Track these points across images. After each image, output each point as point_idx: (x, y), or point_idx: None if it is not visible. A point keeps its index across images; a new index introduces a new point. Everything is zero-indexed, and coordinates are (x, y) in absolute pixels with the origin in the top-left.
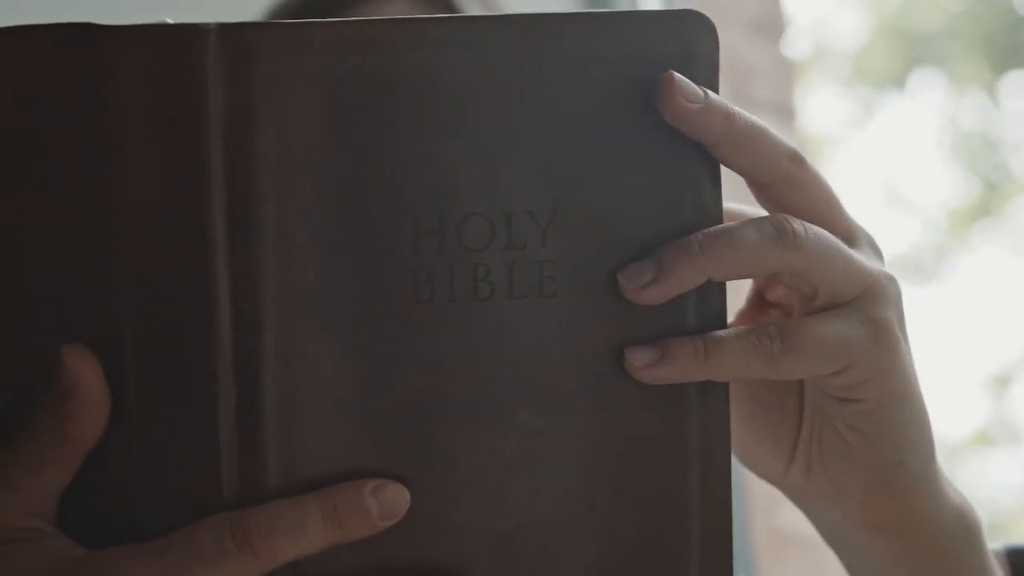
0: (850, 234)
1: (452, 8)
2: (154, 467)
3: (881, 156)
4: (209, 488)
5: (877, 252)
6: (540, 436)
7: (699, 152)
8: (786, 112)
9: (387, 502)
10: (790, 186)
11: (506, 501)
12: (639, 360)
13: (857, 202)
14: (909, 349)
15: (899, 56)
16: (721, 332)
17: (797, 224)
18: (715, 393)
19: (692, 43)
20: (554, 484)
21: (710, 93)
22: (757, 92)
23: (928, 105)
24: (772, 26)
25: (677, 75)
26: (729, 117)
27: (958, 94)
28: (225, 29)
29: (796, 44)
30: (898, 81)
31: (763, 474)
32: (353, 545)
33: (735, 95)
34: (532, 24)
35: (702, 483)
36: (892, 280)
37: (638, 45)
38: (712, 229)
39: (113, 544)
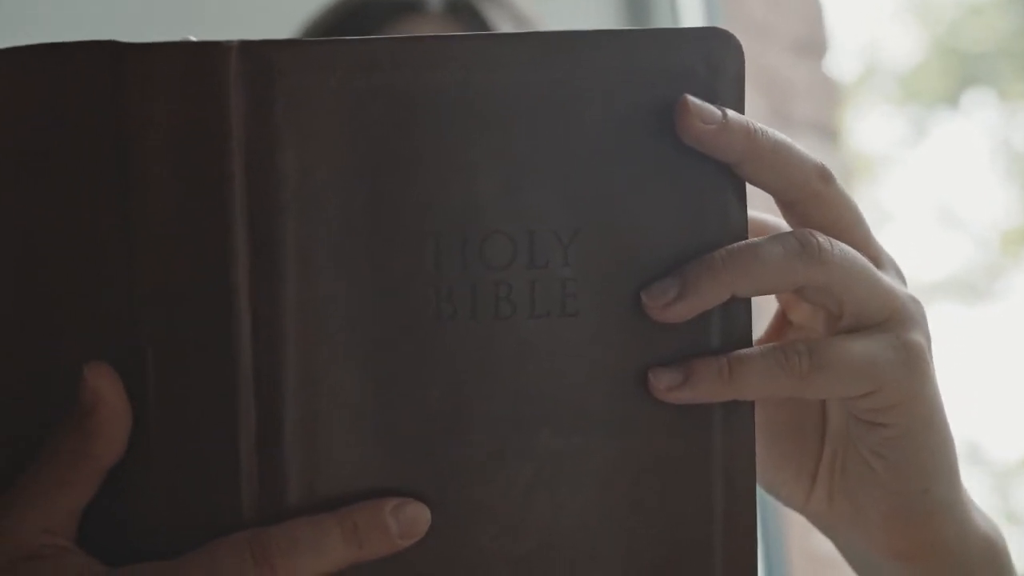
0: (876, 255)
1: (485, 26)
2: (174, 484)
3: (933, 176)
4: (229, 506)
5: (901, 276)
6: (562, 456)
7: (723, 170)
8: (828, 132)
9: (407, 521)
10: (817, 203)
11: (527, 521)
12: (663, 382)
13: (909, 222)
14: (936, 375)
15: (951, 75)
16: (746, 351)
17: (823, 239)
18: (740, 413)
19: (718, 60)
20: (575, 505)
21: (729, 112)
22: (798, 111)
23: (980, 124)
24: (815, 46)
25: (691, 98)
26: (750, 135)
27: (1010, 113)
28: (247, 47)
29: (843, 64)
30: (950, 100)
31: (786, 501)
32: (373, 564)
33: (776, 114)
34: (555, 42)
35: (726, 505)
36: (918, 303)
37: (663, 63)
38: (736, 245)
39: (133, 561)
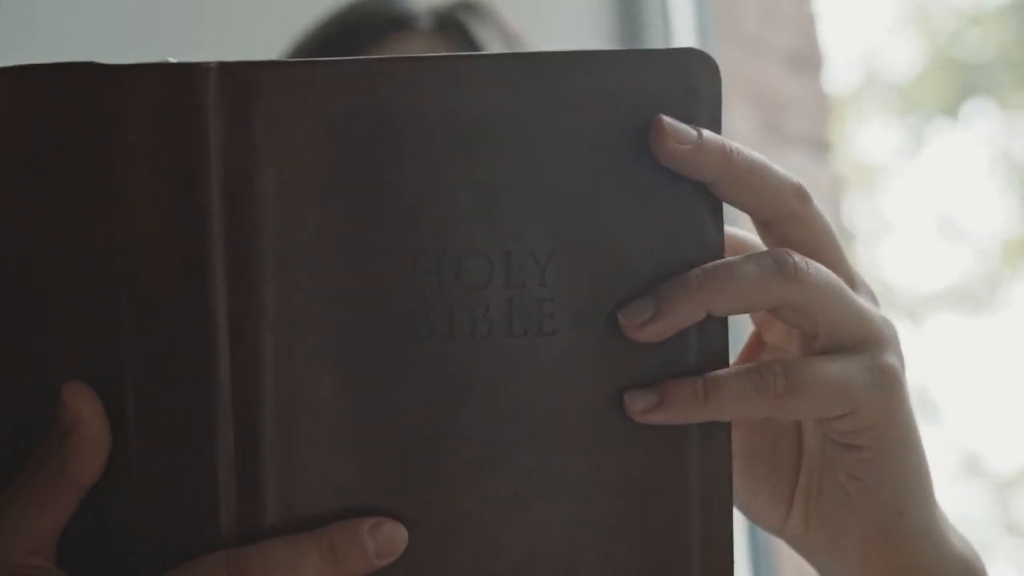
0: (851, 276)
1: (474, 43)
2: (153, 504)
3: (933, 186)
4: (208, 525)
5: (874, 298)
6: (539, 475)
7: (700, 189)
8: (821, 146)
9: (384, 540)
10: (793, 223)
11: (505, 540)
12: (638, 404)
13: (909, 232)
14: (910, 398)
15: (951, 85)
16: (721, 372)
17: (798, 258)
18: (716, 433)
19: (695, 81)
20: (553, 522)
21: (705, 132)
22: (791, 125)
23: (980, 134)
24: (808, 59)
25: (666, 118)
26: (726, 155)
27: (1010, 123)
28: (225, 68)
29: (840, 75)
30: (950, 110)
31: (763, 524)
32: None
33: (769, 128)
34: (532, 63)
35: (703, 523)
36: (892, 326)
37: (639, 84)
38: (712, 264)
39: None
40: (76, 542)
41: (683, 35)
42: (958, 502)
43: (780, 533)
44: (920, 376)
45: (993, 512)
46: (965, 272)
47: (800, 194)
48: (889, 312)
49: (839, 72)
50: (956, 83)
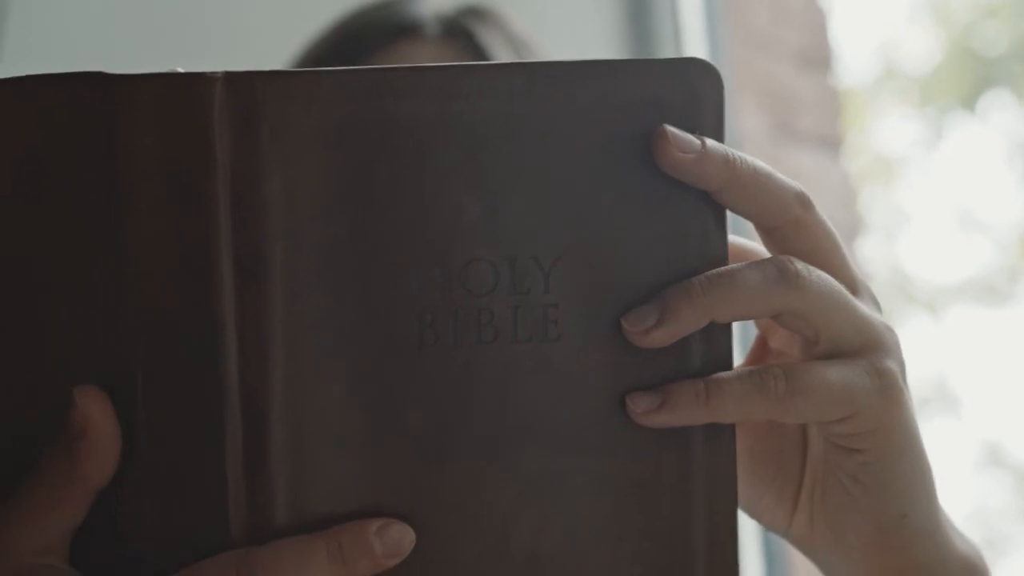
0: (853, 283)
1: (480, 50)
2: (163, 505)
3: (951, 178)
4: (217, 527)
5: (877, 303)
6: (544, 478)
7: (703, 196)
8: (832, 143)
9: (392, 541)
10: (796, 230)
11: (510, 542)
12: (641, 407)
13: (927, 225)
14: (911, 402)
15: (968, 78)
16: (723, 374)
17: (800, 265)
18: (721, 435)
19: (697, 90)
20: (558, 525)
21: (708, 141)
22: (802, 123)
23: (998, 127)
24: (819, 57)
25: (669, 128)
26: (730, 163)
27: None
28: (231, 77)
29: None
30: (967, 103)
31: (768, 525)
32: None
33: (780, 126)
34: (536, 73)
35: (708, 526)
36: (892, 331)
37: (643, 92)
38: (715, 271)
39: None
40: (87, 543)
41: (693, 33)
42: (978, 493)
43: (785, 534)
44: (940, 368)
45: (1014, 502)
46: (984, 264)
47: (803, 201)
48: (908, 305)
49: (855, 65)
50: (973, 75)
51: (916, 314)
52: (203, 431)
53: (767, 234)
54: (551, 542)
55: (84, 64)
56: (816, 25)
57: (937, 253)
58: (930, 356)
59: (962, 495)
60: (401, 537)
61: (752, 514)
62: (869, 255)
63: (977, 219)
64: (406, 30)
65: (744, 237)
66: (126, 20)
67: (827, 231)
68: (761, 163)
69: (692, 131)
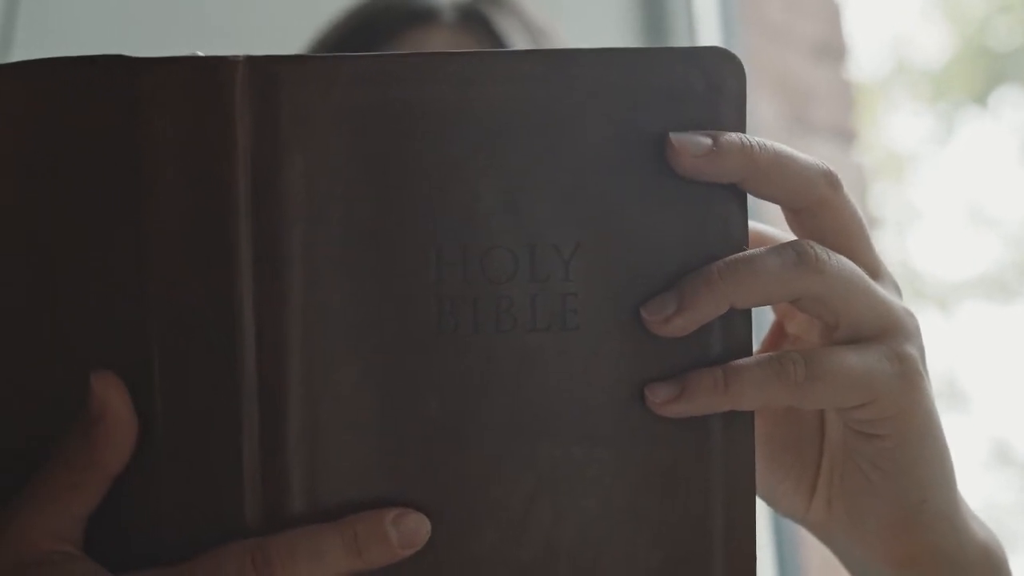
0: (875, 266)
1: (497, 36)
2: (179, 492)
3: (963, 174)
4: (233, 514)
5: (897, 289)
6: (562, 467)
7: (723, 183)
8: (846, 135)
9: (407, 531)
10: (823, 209)
11: (527, 532)
12: (659, 397)
13: (939, 220)
14: (931, 387)
15: (980, 73)
16: (741, 361)
17: (820, 250)
18: (740, 423)
19: (717, 78)
20: (576, 513)
21: (722, 136)
22: (817, 115)
23: (1010, 122)
24: (833, 49)
25: (675, 136)
26: (747, 152)
27: None
28: (252, 61)
29: (868, 64)
30: (980, 98)
31: (786, 512)
32: (373, 573)
33: (794, 118)
34: (555, 59)
35: (727, 514)
36: (913, 316)
37: (663, 82)
38: (733, 257)
39: (138, 568)
40: (102, 529)
41: (707, 25)
42: (988, 490)
43: (803, 520)
44: (950, 364)
45: (1023, 500)
46: (995, 260)
47: (831, 180)
48: (919, 301)
49: (867, 60)
50: (986, 71)
51: (926, 310)
52: (220, 417)
53: (794, 215)
54: (568, 531)
55: (99, 50)
56: (830, 17)
57: (948, 249)
58: (940, 353)
59: (971, 492)
60: (417, 527)
61: (770, 501)
62: (880, 250)
63: (988, 215)
64: (423, 16)
65: (765, 222)
66: (137, 6)
67: (854, 212)
68: (783, 147)
69: (714, 121)
